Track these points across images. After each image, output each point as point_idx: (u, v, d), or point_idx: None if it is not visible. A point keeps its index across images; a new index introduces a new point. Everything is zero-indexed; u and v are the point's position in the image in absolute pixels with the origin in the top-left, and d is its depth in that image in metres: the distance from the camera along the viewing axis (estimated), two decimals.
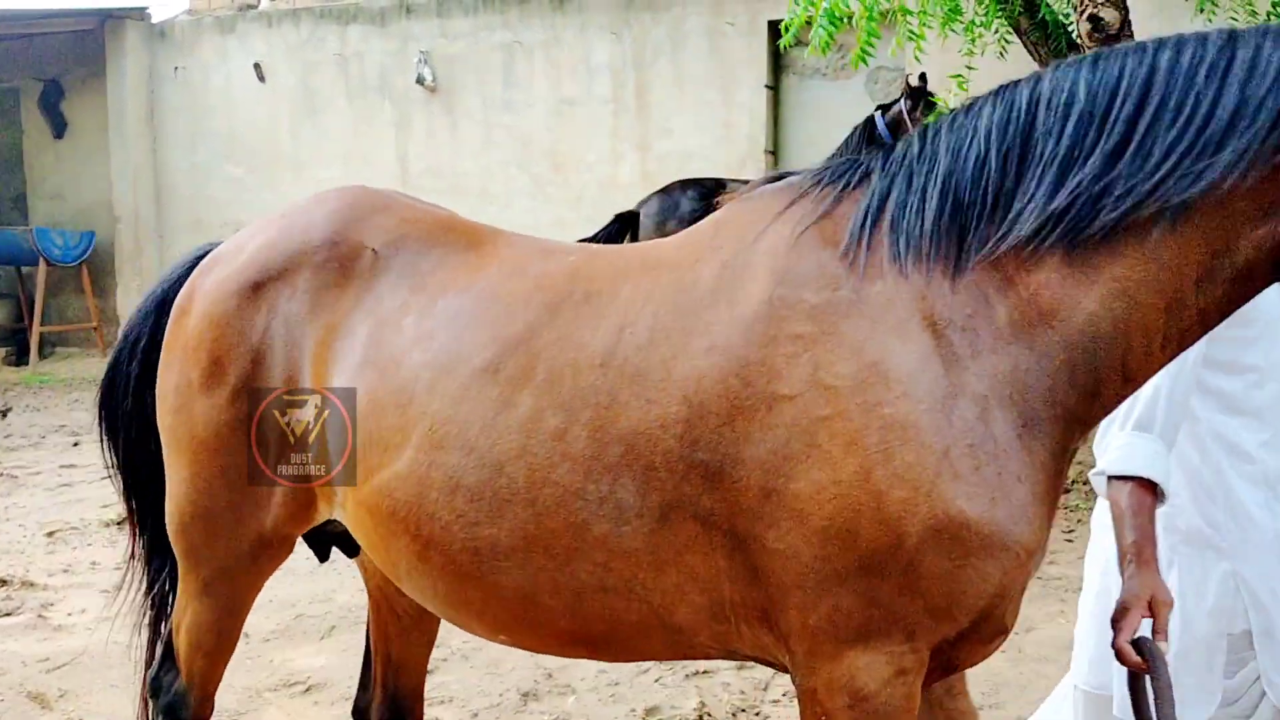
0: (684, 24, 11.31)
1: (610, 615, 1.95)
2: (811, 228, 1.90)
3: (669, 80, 11.35)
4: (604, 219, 9.83)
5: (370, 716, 2.72)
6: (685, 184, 8.87)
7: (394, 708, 2.67)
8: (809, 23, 5.15)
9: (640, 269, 2.04)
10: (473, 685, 3.95)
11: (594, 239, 8.41)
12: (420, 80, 12.26)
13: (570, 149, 11.64)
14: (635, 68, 11.47)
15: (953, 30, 5.61)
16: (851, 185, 1.94)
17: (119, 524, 5.88)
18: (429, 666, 2.82)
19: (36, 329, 13.25)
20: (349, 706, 3.63)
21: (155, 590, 2.70)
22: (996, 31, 5.77)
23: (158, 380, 2.42)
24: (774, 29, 6.64)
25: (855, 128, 8.26)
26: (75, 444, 8.39)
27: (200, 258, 2.52)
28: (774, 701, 3.65)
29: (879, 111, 8.16)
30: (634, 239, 8.67)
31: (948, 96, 5.97)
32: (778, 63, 11.09)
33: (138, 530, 2.70)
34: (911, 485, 1.70)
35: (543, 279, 2.10)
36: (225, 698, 3.76)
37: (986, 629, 1.83)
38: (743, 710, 3.60)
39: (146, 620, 2.72)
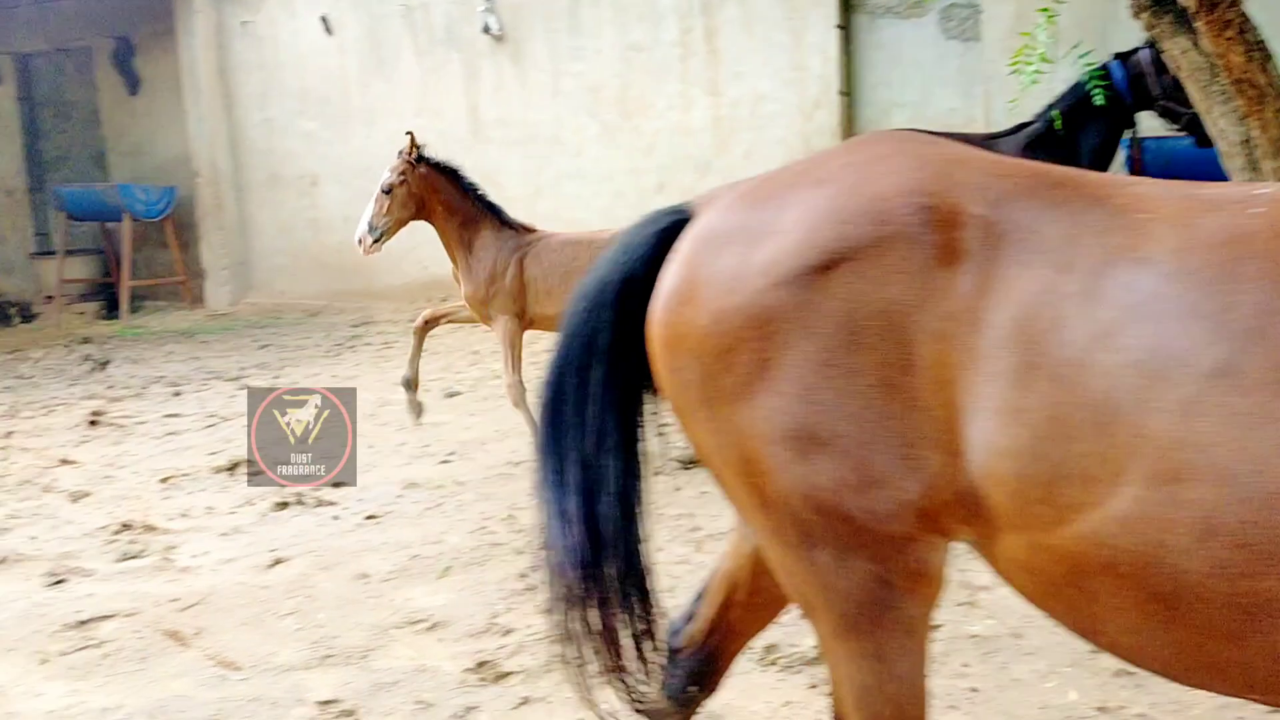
0: None
1: None
2: None
3: (737, 23, 11.28)
4: (677, 165, 9.68)
5: (679, 649, 2.54)
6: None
7: (705, 659, 2.54)
8: None
9: None
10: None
11: None
12: (486, 29, 12.30)
13: (640, 95, 11.64)
14: (703, 11, 11.41)
15: None
16: None
17: (229, 470, 6.15)
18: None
19: (125, 283, 13.56)
20: (472, 644, 3.81)
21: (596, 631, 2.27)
22: None
23: (670, 385, 2.03)
24: None
25: (1089, 73, 6.85)
26: (176, 394, 8.67)
27: (663, 235, 2.09)
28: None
29: (1116, 60, 6.99)
30: None
31: (1035, 32, 5.89)
32: (848, 2, 10.98)
33: (579, 565, 2.16)
34: None
35: (1239, 243, 1.65)
36: (354, 635, 3.98)
37: None
38: None
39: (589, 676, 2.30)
